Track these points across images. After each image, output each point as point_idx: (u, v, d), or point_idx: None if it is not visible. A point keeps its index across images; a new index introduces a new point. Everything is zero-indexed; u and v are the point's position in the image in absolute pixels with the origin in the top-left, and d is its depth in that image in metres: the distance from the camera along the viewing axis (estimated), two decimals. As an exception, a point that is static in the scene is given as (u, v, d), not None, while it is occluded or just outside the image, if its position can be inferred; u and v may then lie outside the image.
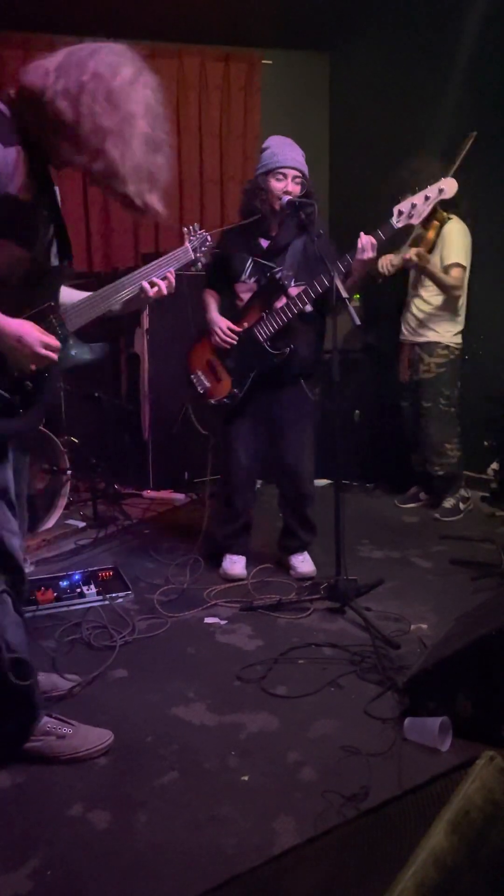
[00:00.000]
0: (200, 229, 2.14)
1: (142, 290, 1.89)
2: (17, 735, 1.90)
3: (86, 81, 1.51)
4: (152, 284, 1.89)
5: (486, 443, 4.21)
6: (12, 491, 1.80)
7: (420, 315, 4.02)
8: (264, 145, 3.00)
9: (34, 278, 1.69)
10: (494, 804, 0.95)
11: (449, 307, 3.94)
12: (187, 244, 2.06)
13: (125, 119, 1.54)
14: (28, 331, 1.64)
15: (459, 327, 4.00)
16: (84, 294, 1.87)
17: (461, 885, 0.87)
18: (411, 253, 3.79)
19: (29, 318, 1.68)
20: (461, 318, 4.00)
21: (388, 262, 3.91)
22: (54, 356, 1.69)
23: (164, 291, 1.91)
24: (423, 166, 3.64)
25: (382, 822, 1.09)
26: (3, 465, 1.77)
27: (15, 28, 5.01)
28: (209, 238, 2.13)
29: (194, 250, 2.07)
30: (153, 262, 1.92)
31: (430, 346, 4.00)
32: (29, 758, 1.91)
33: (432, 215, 3.67)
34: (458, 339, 4.01)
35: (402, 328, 4.16)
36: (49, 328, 1.72)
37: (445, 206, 3.71)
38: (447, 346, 3.97)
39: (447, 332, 3.97)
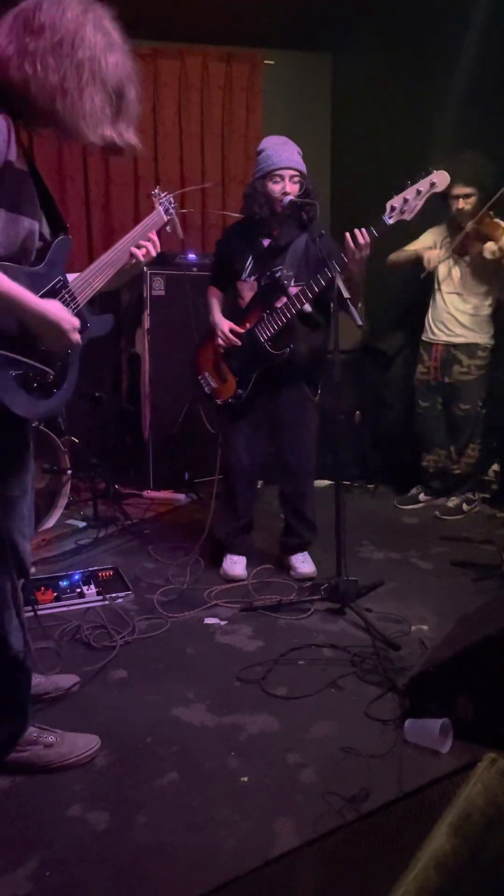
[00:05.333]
0: (163, 192, 2.21)
1: (132, 256, 1.93)
2: (5, 744, 1.86)
3: (28, 43, 1.47)
4: (139, 247, 1.93)
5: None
6: (30, 491, 1.79)
7: (457, 314, 3.90)
8: (259, 148, 3.00)
9: (38, 256, 1.67)
10: (496, 807, 0.94)
11: (493, 306, 3.86)
12: (159, 207, 2.12)
13: (79, 64, 1.49)
14: (60, 311, 1.64)
15: (493, 328, 3.92)
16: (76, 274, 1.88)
17: (463, 888, 0.87)
18: (487, 248, 3.62)
19: (43, 296, 1.67)
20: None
21: (435, 256, 3.84)
22: (80, 338, 1.71)
23: (153, 252, 1.94)
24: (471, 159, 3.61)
25: (383, 825, 1.08)
26: (25, 468, 1.76)
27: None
28: (172, 199, 2.20)
29: (165, 212, 2.13)
30: (132, 231, 1.98)
31: (470, 348, 3.90)
32: (16, 770, 1.87)
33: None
34: (492, 341, 3.93)
35: (433, 327, 4.01)
36: (63, 304, 1.71)
37: None
38: (486, 348, 3.90)
39: (486, 334, 3.89)
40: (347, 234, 2.69)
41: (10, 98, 1.51)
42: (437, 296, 3.98)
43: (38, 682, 2.20)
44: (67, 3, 1.51)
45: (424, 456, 4.18)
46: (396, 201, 2.68)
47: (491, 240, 3.61)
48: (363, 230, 2.69)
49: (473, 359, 3.90)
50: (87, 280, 1.83)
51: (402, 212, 2.68)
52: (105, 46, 1.52)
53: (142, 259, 1.93)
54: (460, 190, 3.66)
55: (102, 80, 1.52)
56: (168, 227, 2.17)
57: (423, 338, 4.07)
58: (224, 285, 3.17)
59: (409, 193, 2.66)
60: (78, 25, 1.49)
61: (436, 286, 3.98)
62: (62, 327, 1.64)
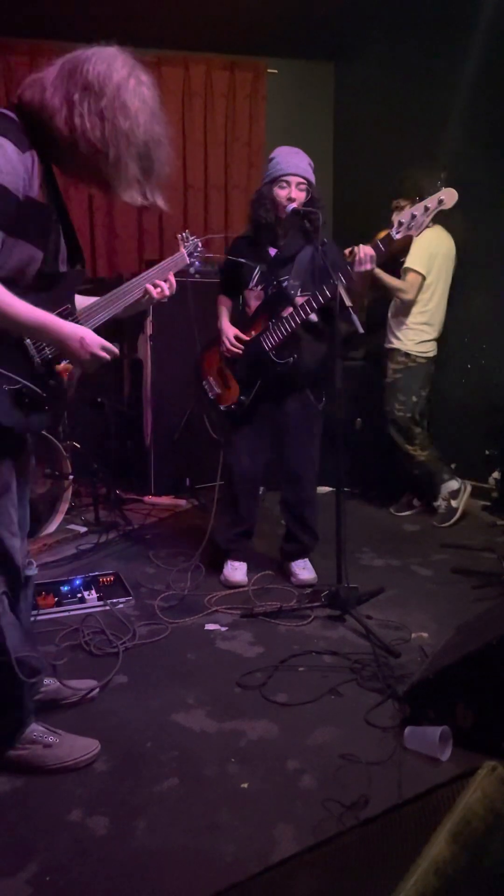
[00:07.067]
0: (192, 235, 2.30)
1: (146, 292, 1.98)
2: (3, 740, 1.88)
3: (76, 99, 1.55)
4: (155, 286, 1.99)
5: (487, 452, 4.22)
6: (15, 491, 1.80)
7: (390, 320, 4.13)
8: (271, 155, 3.03)
9: (45, 283, 1.71)
10: (496, 814, 0.95)
11: (402, 313, 4.02)
12: (183, 250, 2.19)
13: (119, 131, 1.57)
14: (89, 334, 1.71)
15: (426, 336, 4.03)
16: (90, 299, 1.92)
17: (462, 894, 0.87)
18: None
19: None
20: (430, 329, 4.02)
21: None
22: (108, 357, 1.75)
23: (167, 292, 2.01)
24: (420, 176, 3.70)
25: (383, 831, 1.09)
26: (6, 465, 1.77)
27: (22, 35, 5.05)
28: (200, 244, 2.28)
29: (189, 255, 2.19)
30: (153, 267, 2.05)
31: (391, 353, 4.12)
32: (13, 767, 1.89)
33: None
34: (424, 349, 4.05)
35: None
36: None
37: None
38: (407, 354, 4.05)
39: (409, 341, 4.04)
40: (347, 252, 2.72)
41: (53, 146, 1.60)
42: None
43: (57, 687, 2.20)
44: (115, 63, 1.58)
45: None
46: (404, 216, 2.65)
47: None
48: (366, 246, 2.72)
49: (393, 363, 4.11)
50: (96, 312, 1.88)
51: (409, 227, 2.65)
52: (144, 116, 1.60)
53: (155, 297, 1.99)
54: (396, 203, 3.87)
55: (136, 148, 1.61)
56: (192, 269, 2.25)
57: None
58: (233, 294, 3.22)
59: (417, 209, 2.63)
60: (122, 92, 1.56)
61: None
62: (87, 343, 1.70)
